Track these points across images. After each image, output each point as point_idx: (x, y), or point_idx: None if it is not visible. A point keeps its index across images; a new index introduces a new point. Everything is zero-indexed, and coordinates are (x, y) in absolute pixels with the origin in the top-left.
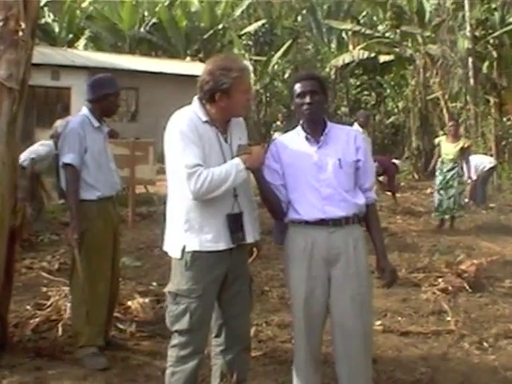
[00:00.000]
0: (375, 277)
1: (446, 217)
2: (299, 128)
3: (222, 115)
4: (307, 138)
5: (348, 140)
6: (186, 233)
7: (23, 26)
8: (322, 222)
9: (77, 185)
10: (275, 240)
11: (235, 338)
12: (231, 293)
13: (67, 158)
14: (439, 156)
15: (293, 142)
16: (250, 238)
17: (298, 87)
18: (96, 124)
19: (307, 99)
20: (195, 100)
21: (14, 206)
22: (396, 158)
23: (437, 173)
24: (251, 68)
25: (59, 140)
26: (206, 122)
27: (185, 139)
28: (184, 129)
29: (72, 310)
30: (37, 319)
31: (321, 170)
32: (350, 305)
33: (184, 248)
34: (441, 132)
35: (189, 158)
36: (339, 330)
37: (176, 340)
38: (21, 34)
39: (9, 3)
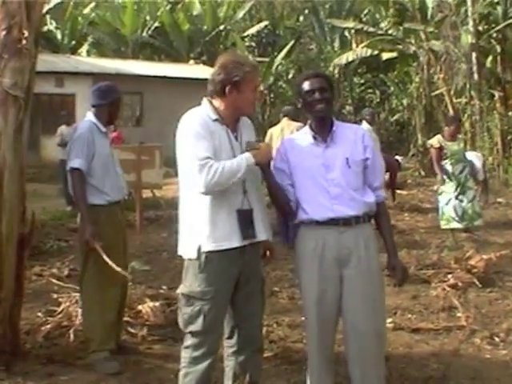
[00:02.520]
0: (385, 274)
1: (476, 223)
2: (307, 127)
3: (231, 111)
4: (314, 138)
5: (355, 139)
6: (200, 232)
7: (26, 34)
8: (332, 222)
9: (84, 189)
10: (282, 240)
11: (247, 340)
12: (244, 294)
13: (75, 162)
14: (442, 159)
15: (300, 141)
16: (261, 236)
17: (306, 85)
18: (103, 129)
19: (317, 96)
20: (204, 100)
21: (23, 213)
22: (397, 155)
23: (445, 178)
24: None
25: (68, 146)
26: (215, 120)
27: (196, 135)
28: (194, 125)
29: (83, 315)
30: (48, 326)
31: (329, 169)
32: (362, 304)
33: (200, 248)
34: (446, 128)
35: (200, 151)
36: (351, 330)
37: (189, 341)
38: (24, 42)
39: (11, 12)
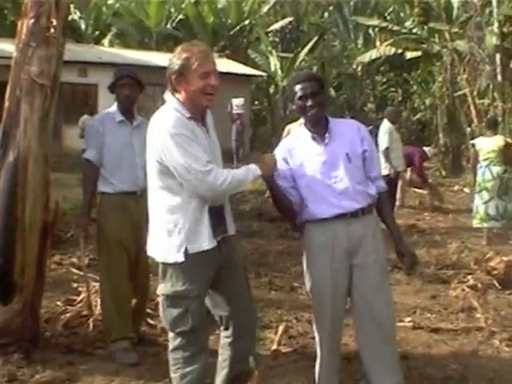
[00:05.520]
0: (399, 271)
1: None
2: (303, 128)
3: (190, 105)
4: (313, 138)
5: (352, 133)
6: (186, 234)
7: (55, 22)
8: (340, 216)
9: (91, 179)
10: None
11: (243, 329)
12: (229, 284)
13: (86, 153)
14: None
15: (300, 142)
16: (231, 230)
17: (298, 89)
18: (118, 118)
19: (309, 102)
20: (170, 98)
21: (47, 201)
22: (426, 146)
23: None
24: (278, 64)
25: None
26: (190, 118)
27: (184, 139)
28: (178, 129)
29: (101, 304)
30: (68, 315)
31: (331, 167)
32: (372, 293)
33: (186, 249)
34: (468, 129)
35: (197, 157)
36: (364, 319)
37: (178, 342)
38: (52, 30)
39: (40, 0)
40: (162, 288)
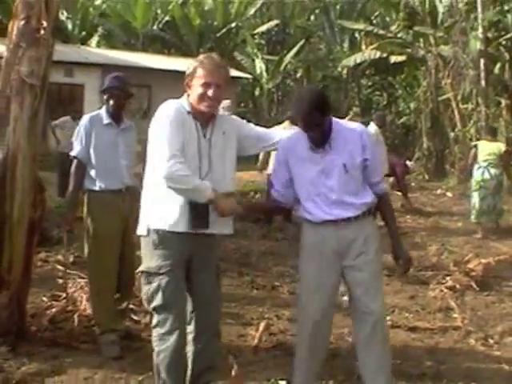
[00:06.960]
0: (385, 274)
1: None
2: (304, 134)
3: (192, 106)
4: (312, 148)
5: (354, 141)
6: (151, 212)
7: (45, 24)
8: (331, 222)
9: (78, 176)
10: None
11: (204, 325)
12: (198, 280)
13: (74, 151)
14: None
15: (299, 147)
16: (213, 229)
17: (302, 117)
18: (106, 121)
19: (311, 133)
20: (184, 95)
21: (34, 198)
22: (409, 159)
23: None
24: (263, 67)
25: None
26: (188, 112)
27: (172, 124)
28: (171, 115)
29: (90, 299)
30: (53, 310)
31: (327, 176)
32: (361, 291)
33: (148, 226)
34: (452, 133)
35: (174, 141)
36: (359, 319)
37: (155, 319)
38: (42, 32)
39: (30, 2)
40: (140, 267)
